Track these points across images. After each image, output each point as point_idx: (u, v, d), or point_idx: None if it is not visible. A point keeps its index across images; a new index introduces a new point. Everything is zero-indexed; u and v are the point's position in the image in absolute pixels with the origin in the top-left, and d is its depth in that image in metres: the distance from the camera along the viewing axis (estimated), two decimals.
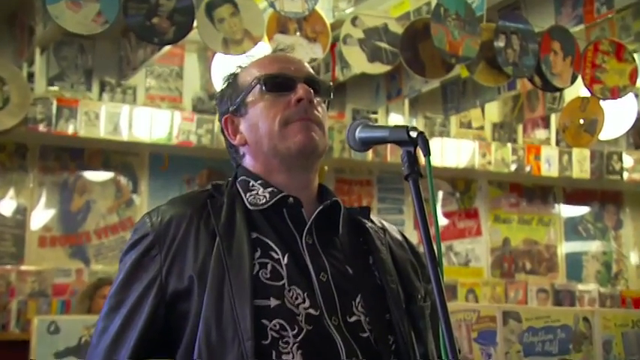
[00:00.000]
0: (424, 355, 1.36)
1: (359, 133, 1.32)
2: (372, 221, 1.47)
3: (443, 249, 5.83)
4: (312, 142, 1.37)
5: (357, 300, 1.36)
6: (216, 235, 1.33)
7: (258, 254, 1.34)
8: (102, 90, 4.80)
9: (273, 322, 1.28)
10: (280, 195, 1.38)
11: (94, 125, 4.51)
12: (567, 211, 6.37)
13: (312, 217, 1.38)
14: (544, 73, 3.81)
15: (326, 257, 1.37)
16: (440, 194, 5.94)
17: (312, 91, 1.41)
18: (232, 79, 1.48)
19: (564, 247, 6.28)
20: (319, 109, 1.42)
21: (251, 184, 1.41)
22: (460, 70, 4.22)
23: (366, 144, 1.32)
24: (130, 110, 4.64)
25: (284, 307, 1.30)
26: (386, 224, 1.53)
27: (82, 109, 4.50)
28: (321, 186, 1.46)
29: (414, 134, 1.21)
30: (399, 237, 1.52)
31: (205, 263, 1.31)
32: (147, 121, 4.67)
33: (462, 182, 6.01)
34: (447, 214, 5.93)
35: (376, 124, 1.33)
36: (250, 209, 1.37)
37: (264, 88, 1.41)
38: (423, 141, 1.20)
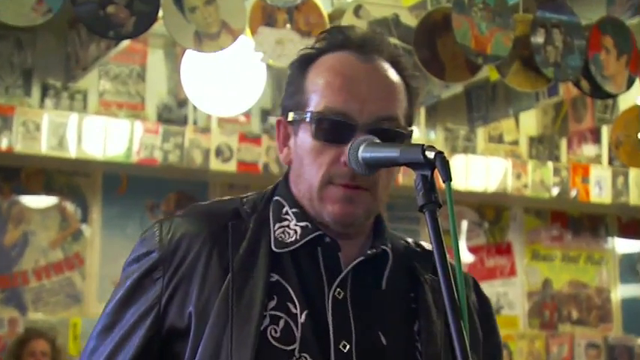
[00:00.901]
0: None
1: (362, 153, 1.31)
2: (436, 272, 1.43)
3: None
4: (349, 218, 1.35)
5: None
6: (229, 271, 1.35)
7: (273, 304, 1.35)
8: (44, 95, 4.81)
9: None
10: (315, 234, 1.38)
11: (34, 138, 4.51)
12: (623, 246, 6.37)
13: (350, 267, 1.37)
14: (593, 75, 3.82)
15: (355, 320, 1.35)
16: (464, 225, 5.93)
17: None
18: (303, 67, 1.44)
19: (620, 292, 6.27)
20: (379, 173, 1.36)
21: (285, 210, 1.41)
22: (489, 72, 4.23)
23: (371, 167, 1.32)
24: (79, 120, 4.64)
25: None
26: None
27: (19, 118, 4.49)
28: (378, 223, 1.43)
29: (430, 154, 1.21)
30: (470, 293, 1.47)
31: (209, 302, 1.34)
32: (100, 133, 4.67)
33: (491, 210, 6.00)
34: (473, 250, 5.92)
35: (384, 143, 1.32)
36: (278, 247, 1.36)
37: (314, 128, 1.38)
38: (441, 163, 1.20)
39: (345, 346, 1.34)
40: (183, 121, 5.04)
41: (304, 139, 1.40)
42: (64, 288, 4.81)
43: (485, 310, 1.49)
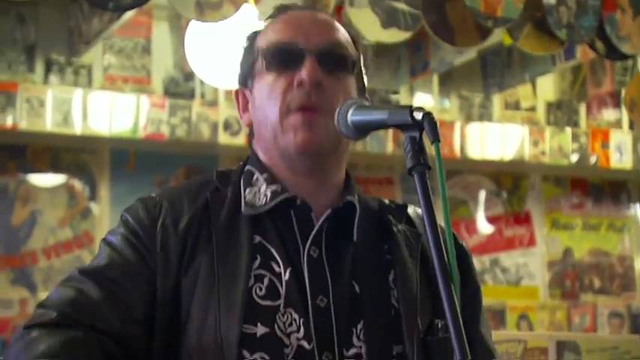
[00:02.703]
0: None
1: (352, 117, 1.35)
2: (410, 222, 1.50)
3: (487, 263, 5.91)
4: (313, 143, 1.43)
5: (359, 327, 1.40)
6: (212, 238, 1.42)
7: (257, 264, 1.42)
8: (48, 70, 4.82)
9: (255, 355, 1.34)
10: (283, 196, 1.44)
11: (39, 115, 4.54)
12: None
13: (319, 224, 1.42)
14: (608, 36, 3.79)
15: (332, 275, 1.42)
16: (481, 195, 5.93)
17: (321, 68, 1.45)
18: (251, 39, 1.55)
19: None
20: (332, 91, 1.45)
21: (255, 176, 1.49)
22: (502, 37, 4.21)
23: (361, 130, 1.35)
24: (83, 95, 4.66)
25: (272, 337, 1.38)
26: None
27: (23, 95, 4.52)
28: (346, 180, 1.50)
29: (418, 115, 1.23)
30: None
31: (195, 270, 1.41)
32: (106, 109, 4.69)
33: (508, 179, 5.99)
34: (490, 220, 5.92)
35: (372, 105, 1.35)
36: (247, 210, 1.42)
37: (264, 62, 1.48)
38: (429, 123, 1.22)
39: (322, 301, 1.40)
40: (190, 95, 5.05)
41: (260, 87, 1.49)
42: (73, 266, 4.84)
43: (464, 260, 1.54)
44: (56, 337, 1.34)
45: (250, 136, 1.57)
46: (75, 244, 4.92)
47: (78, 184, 5.00)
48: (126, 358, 1.41)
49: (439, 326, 1.42)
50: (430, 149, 1.24)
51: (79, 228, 4.94)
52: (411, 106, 1.25)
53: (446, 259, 1.18)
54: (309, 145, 1.43)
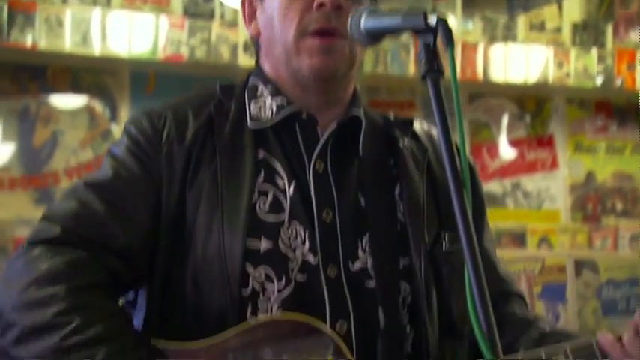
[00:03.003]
0: (447, 311, 1.39)
1: (365, 23, 1.33)
2: (416, 137, 1.49)
3: (508, 186, 5.89)
4: (329, 68, 1.42)
5: (365, 240, 1.40)
6: (216, 152, 1.42)
7: (261, 179, 1.42)
8: None
9: (259, 269, 1.35)
10: (288, 110, 1.42)
11: (58, 35, 4.53)
12: None
13: (325, 137, 1.41)
14: None
15: (338, 189, 1.42)
16: (504, 118, 5.89)
17: None
18: None
19: None
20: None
21: (259, 89, 1.46)
22: None
23: (374, 36, 1.34)
24: (102, 15, 4.63)
25: (275, 252, 1.38)
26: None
27: (42, 14, 4.50)
28: (353, 94, 1.49)
29: (432, 20, 1.21)
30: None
31: (199, 185, 1.41)
32: (124, 29, 4.67)
33: (532, 101, 5.94)
34: (513, 143, 5.89)
35: (386, 12, 1.33)
36: (252, 125, 1.41)
37: None
38: (444, 28, 1.21)
39: (328, 215, 1.40)
40: (210, 16, 5.01)
41: (272, 2, 1.47)
42: None
43: (471, 171, 1.55)
44: (59, 257, 1.34)
45: (256, 47, 1.54)
46: (96, 165, 4.94)
47: (98, 106, 5.01)
48: (129, 274, 1.41)
49: (446, 239, 1.43)
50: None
51: (100, 149, 4.96)
52: (425, 12, 1.24)
53: (458, 164, 1.16)
54: (326, 70, 1.42)
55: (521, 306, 1.62)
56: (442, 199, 1.47)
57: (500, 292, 1.52)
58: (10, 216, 4.74)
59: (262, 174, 1.42)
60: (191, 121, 1.44)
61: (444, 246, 1.44)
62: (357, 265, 1.41)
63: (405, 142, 1.49)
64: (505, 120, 5.90)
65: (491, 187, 5.61)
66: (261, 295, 1.38)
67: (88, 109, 4.98)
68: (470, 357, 1.49)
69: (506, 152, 5.85)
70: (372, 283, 1.41)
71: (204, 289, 1.38)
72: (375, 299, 1.41)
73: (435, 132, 1.56)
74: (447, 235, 1.44)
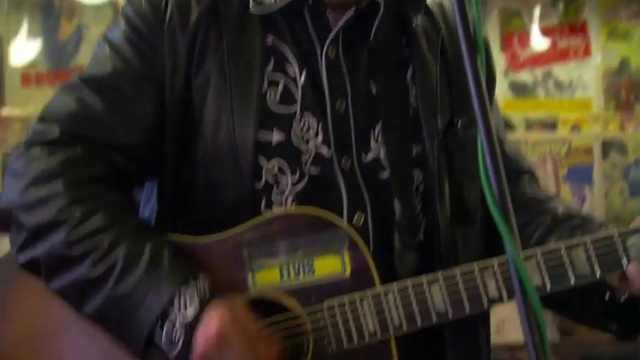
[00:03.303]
0: (458, 198, 1.37)
1: None
2: (430, 14, 1.43)
3: (539, 75, 5.79)
4: None
5: (377, 129, 1.37)
6: (223, 38, 1.36)
7: (270, 67, 1.37)
8: None
9: (272, 161, 1.32)
10: None
11: None
12: None
13: (340, 24, 1.36)
14: None
15: (351, 77, 1.37)
16: (537, 5, 5.76)
17: None
18: None
19: None
20: None
21: None
22: None
23: None
24: None
25: (288, 144, 1.35)
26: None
27: None
28: None
29: None
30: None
31: (207, 72, 1.35)
32: None
33: None
34: (545, 31, 5.76)
35: None
36: (255, 9, 1.35)
37: None
38: None
39: (341, 105, 1.37)
40: None
41: None
42: None
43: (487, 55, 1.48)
44: (55, 157, 1.33)
45: None
46: None
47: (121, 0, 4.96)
48: (135, 170, 1.39)
49: (459, 125, 1.39)
50: None
51: None
52: None
53: (472, 32, 1.06)
54: None
55: (532, 184, 1.55)
56: (455, 82, 1.42)
57: (509, 170, 1.46)
58: (39, 111, 4.74)
59: (272, 62, 1.37)
60: (194, 3, 1.38)
61: (458, 132, 1.40)
62: (369, 156, 1.38)
63: (417, 21, 1.42)
64: (537, 7, 5.77)
65: (522, 76, 5.52)
66: (275, 188, 1.36)
67: (112, 4, 4.93)
68: (481, 244, 1.46)
69: (538, 41, 5.72)
70: (385, 174, 1.38)
71: (217, 183, 1.35)
72: (390, 190, 1.39)
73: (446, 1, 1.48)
74: (459, 120, 1.40)
